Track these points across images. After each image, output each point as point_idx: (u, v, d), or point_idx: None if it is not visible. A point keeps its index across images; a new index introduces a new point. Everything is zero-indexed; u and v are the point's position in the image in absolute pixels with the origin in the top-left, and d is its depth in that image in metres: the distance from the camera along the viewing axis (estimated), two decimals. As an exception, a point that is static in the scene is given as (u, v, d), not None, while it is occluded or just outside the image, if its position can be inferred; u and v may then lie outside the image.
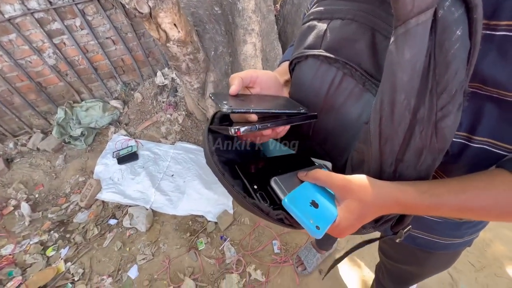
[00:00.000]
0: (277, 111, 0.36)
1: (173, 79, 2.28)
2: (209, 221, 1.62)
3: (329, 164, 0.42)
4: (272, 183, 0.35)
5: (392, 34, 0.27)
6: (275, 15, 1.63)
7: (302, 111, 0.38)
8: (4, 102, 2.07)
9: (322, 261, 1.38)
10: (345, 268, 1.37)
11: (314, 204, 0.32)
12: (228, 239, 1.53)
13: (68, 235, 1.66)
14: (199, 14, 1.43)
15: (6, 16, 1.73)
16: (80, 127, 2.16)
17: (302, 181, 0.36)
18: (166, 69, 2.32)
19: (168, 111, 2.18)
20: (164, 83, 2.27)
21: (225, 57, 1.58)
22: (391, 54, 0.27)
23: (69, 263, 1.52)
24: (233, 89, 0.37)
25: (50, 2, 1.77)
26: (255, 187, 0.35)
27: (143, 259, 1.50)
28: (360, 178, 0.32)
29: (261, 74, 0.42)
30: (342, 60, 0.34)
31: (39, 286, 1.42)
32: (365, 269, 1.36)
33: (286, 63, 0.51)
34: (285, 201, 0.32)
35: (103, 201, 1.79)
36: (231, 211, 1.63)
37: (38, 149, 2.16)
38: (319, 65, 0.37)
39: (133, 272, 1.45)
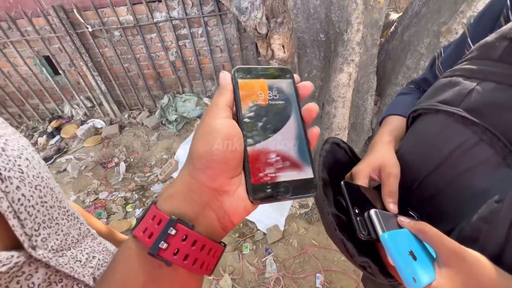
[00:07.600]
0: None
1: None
2: (259, 230, 1.66)
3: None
4: (372, 215, 0.33)
5: None
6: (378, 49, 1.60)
7: None
8: (132, 82, 2.66)
9: (367, 317, 1.23)
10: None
11: (413, 255, 0.30)
12: (272, 254, 1.53)
13: (144, 199, 1.97)
14: (304, 39, 1.54)
15: (155, 20, 2.25)
16: (175, 114, 2.56)
17: (400, 227, 0.34)
18: (256, 80, 2.54)
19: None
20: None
21: (316, 81, 1.64)
22: None
23: (139, 223, 1.80)
24: (393, 208, 0.36)
25: (186, 13, 2.21)
26: (357, 211, 0.33)
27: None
28: (477, 253, 0.27)
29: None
30: (484, 125, 0.31)
31: (115, 233, 1.73)
32: None
33: (399, 120, 0.49)
34: (385, 237, 0.30)
35: (176, 180, 2.07)
36: (282, 228, 1.63)
37: (142, 124, 2.67)
38: (451, 123, 0.35)
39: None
